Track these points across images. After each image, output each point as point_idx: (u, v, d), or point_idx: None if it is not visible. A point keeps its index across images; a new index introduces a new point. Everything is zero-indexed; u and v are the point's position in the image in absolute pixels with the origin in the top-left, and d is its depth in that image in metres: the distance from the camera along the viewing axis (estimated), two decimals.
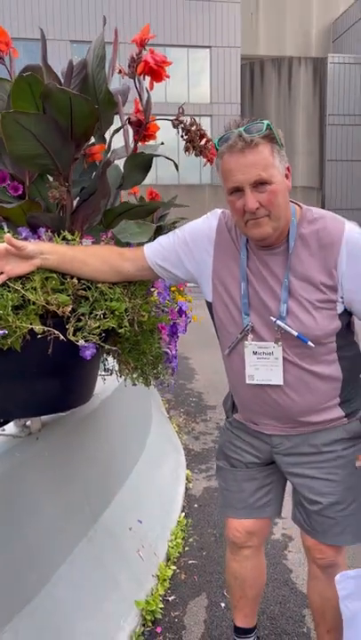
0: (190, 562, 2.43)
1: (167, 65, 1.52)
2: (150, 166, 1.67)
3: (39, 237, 1.42)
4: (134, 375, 1.75)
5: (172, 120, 1.70)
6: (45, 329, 1.38)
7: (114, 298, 1.45)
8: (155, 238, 1.60)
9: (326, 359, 1.41)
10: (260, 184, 1.30)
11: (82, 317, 1.42)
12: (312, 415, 1.46)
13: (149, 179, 1.77)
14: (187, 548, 2.54)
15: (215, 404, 4.94)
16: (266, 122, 1.31)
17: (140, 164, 1.66)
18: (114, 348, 1.54)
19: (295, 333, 1.39)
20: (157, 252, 1.50)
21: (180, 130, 1.72)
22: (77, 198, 1.63)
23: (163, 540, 2.46)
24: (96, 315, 1.41)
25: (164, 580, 2.24)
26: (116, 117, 1.72)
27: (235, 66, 24.05)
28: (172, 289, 2.05)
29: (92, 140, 1.72)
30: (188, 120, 1.71)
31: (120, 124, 1.71)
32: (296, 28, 27.34)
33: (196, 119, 1.73)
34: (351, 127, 25.38)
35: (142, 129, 1.69)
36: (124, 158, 1.66)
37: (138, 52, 1.56)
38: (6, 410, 1.60)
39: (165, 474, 3.05)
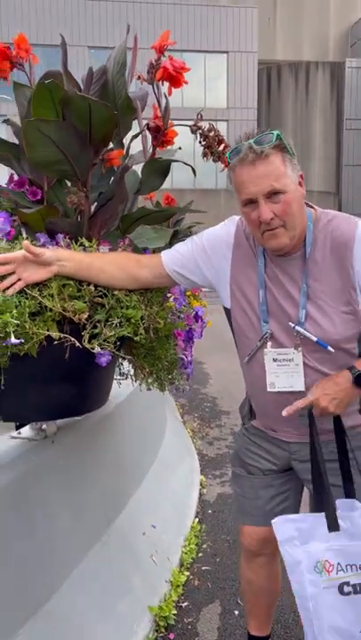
0: (204, 568, 2.42)
1: (186, 71, 1.53)
2: (168, 172, 1.68)
3: (57, 244, 1.43)
4: (149, 380, 1.76)
5: (190, 126, 1.70)
6: (62, 335, 1.39)
7: (130, 305, 1.46)
8: (171, 243, 1.61)
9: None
10: (273, 194, 1.31)
11: (98, 324, 1.43)
12: (332, 421, 1.45)
13: (165, 183, 1.78)
14: (200, 554, 2.53)
15: (229, 409, 4.93)
16: (276, 132, 1.32)
17: (158, 169, 1.67)
18: (129, 357, 1.54)
19: (314, 339, 1.38)
20: (175, 260, 1.50)
21: (198, 135, 1.73)
22: (95, 203, 1.64)
23: (176, 546, 2.45)
24: (112, 322, 1.42)
25: (178, 585, 2.23)
26: (135, 123, 1.73)
27: (252, 71, 24.09)
28: (187, 294, 2.05)
29: (111, 145, 1.74)
30: (206, 126, 1.72)
31: (138, 130, 1.72)
32: (314, 32, 27.31)
33: (213, 124, 1.74)
34: None
35: (160, 135, 1.70)
36: (142, 163, 1.67)
37: (157, 58, 1.56)
38: (22, 413, 1.61)
39: (179, 479, 3.05)
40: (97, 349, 1.42)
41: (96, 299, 1.44)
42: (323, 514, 1.36)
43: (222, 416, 4.78)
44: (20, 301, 1.32)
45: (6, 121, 1.75)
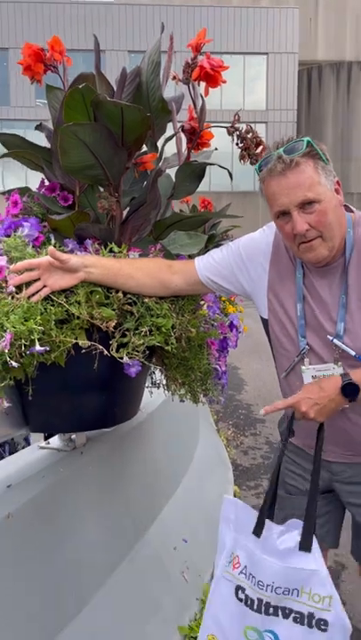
0: None
1: (224, 70, 1.46)
2: (203, 175, 1.61)
3: (85, 249, 1.38)
4: (182, 391, 1.69)
5: (227, 127, 1.63)
6: (89, 344, 1.34)
7: (160, 314, 1.40)
8: (207, 247, 1.53)
9: None
10: (306, 204, 1.22)
11: (127, 333, 1.38)
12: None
13: (203, 186, 1.72)
14: None
15: (265, 418, 4.81)
16: (306, 139, 1.23)
17: (193, 173, 1.60)
18: (159, 367, 1.48)
19: (353, 353, 1.29)
20: (210, 266, 1.43)
21: (236, 137, 1.65)
22: (127, 209, 1.59)
23: (208, 562, 2.36)
24: (141, 331, 1.36)
25: None
26: (170, 125, 1.67)
27: (292, 72, 23.83)
28: (222, 299, 1.98)
29: (145, 148, 1.68)
30: (243, 127, 1.65)
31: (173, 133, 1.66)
32: (356, 32, 26.77)
33: (252, 126, 1.66)
34: None
35: (196, 137, 1.64)
36: (177, 167, 1.61)
37: (193, 57, 1.50)
38: (50, 424, 1.57)
39: (212, 490, 2.96)
40: (125, 359, 1.36)
41: (125, 306, 1.39)
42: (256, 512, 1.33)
43: (258, 424, 4.67)
44: (45, 308, 1.27)
45: (39, 127, 1.72)
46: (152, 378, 2.01)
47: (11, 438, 2.52)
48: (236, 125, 1.63)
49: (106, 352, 1.34)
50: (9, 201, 1.53)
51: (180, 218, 1.57)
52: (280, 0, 24.23)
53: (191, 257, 1.58)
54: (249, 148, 1.62)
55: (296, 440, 1.53)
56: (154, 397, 2.29)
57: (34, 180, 1.68)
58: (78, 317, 1.32)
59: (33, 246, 1.35)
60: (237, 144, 1.64)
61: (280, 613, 1.22)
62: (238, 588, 1.29)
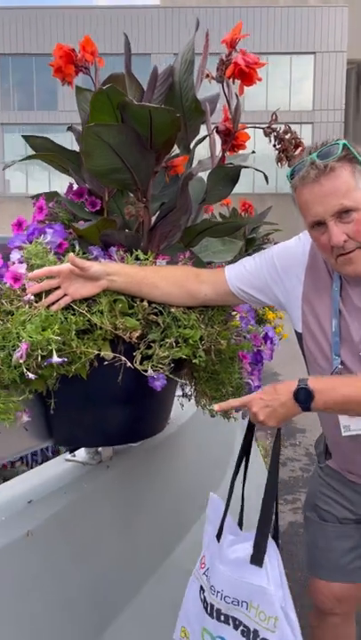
0: None
1: (259, 67, 1.36)
2: (237, 179, 1.52)
3: (110, 257, 1.32)
4: (212, 407, 1.60)
5: (263, 128, 1.54)
6: (112, 355, 1.28)
7: (188, 324, 1.31)
8: (247, 250, 1.44)
9: None
10: (343, 213, 1.12)
11: (152, 344, 1.30)
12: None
13: (245, 187, 1.63)
14: None
15: (305, 426, 4.65)
16: (342, 142, 1.12)
17: (226, 176, 1.51)
18: (182, 381, 1.40)
19: None
20: (241, 276, 1.34)
21: (273, 138, 1.56)
22: (157, 214, 1.52)
23: None
24: (166, 342, 1.28)
25: None
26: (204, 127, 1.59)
27: (340, 71, 23.35)
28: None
29: (178, 151, 1.61)
30: (281, 127, 1.55)
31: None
32: None
33: (292, 127, 1.57)
34: None
35: (231, 138, 1.55)
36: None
37: (228, 53, 1.42)
38: (73, 437, 1.51)
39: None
40: (150, 372, 1.29)
41: (151, 316, 1.31)
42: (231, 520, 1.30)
43: (298, 434, 4.52)
44: (66, 317, 1.21)
45: (70, 129, 1.68)
46: (183, 389, 1.94)
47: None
48: (274, 126, 1.54)
49: (130, 364, 1.27)
50: (35, 206, 1.49)
51: (211, 224, 1.48)
52: None
53: (228, 264, 1.49)
54: (287, 149, 1.52)
55: (334, 463, 1.43)
56: (186, 408, 2.21)
57: (59, 184, 1.63)
58: (101, 328, 1.26)
59: (55, 253, 1.29)
60: (274, 145, 1.55)
61: (231, 622, 1.21)
62: (201, 589, 1.30)
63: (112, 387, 1.34)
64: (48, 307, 1.19)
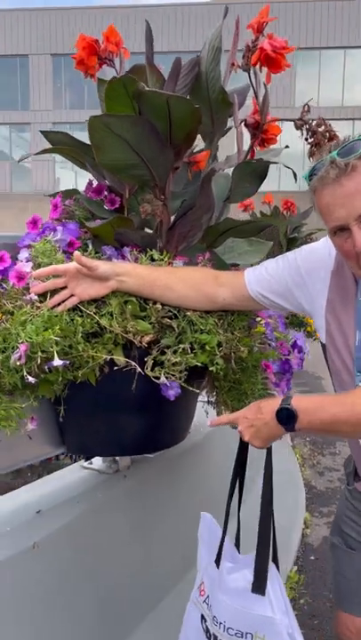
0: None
1: (288, 51, 1.25)
2: (265, 175, 1.41)
3: (123, 257, 1.24)
4: None
5: (294, 120, 1.43)
6: (124, 361, 1.20)
7: (205, 329, 1.22)
8: (288, 250, 1.33)
9: None
10: None
11: (166, 350, 1.22)
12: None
13: (290, 184, 1.52)
14: (296, 612, 2.20)
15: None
16: None
17: (253, 172, 1.41)
18: (197, 391, 1.31)
19: None
20: (262, 280, 1.23)
21: (305, 132, 1.44)
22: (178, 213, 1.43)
23: None
24: (180, 348, 1.19)
25: None
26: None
27: None
28: None
29: (203, 145, 1.52)
30: (314, 120, 1.43)
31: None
32: None
33: (346, 124, 1.45)
34: None
35: (260, 131, 1.44)
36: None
37: (254, 38, 1.31)
38: (85, 446, 1.45)
39: (279, 515, 2.73)
40: (162, 379, 1.20)
41: (165, 319, 1.23)
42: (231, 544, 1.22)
43: (338, 442, 4.33)
44: (72, 319, 1.14)
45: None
46: (208, 396, 1.84)
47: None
48: (306, 118, 1.43)
49: (140, 370, 1.19)
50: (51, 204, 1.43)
51: (235, 224, 1.38)
52: None
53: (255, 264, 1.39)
54: (320, 143, 1.41)
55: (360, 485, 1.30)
56: (212, 415, 2.12)
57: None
58: (110, 331, 1.18)
59: (64, 252, 1.22)
60: (306, 139, 1.43)
61: None
62: (202, 617, 1.21)
63: (124, 394, 1.27)
64: (53, 307, 1.12)
